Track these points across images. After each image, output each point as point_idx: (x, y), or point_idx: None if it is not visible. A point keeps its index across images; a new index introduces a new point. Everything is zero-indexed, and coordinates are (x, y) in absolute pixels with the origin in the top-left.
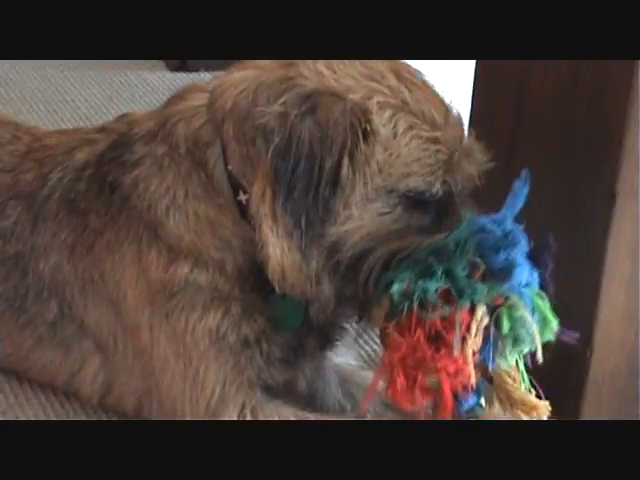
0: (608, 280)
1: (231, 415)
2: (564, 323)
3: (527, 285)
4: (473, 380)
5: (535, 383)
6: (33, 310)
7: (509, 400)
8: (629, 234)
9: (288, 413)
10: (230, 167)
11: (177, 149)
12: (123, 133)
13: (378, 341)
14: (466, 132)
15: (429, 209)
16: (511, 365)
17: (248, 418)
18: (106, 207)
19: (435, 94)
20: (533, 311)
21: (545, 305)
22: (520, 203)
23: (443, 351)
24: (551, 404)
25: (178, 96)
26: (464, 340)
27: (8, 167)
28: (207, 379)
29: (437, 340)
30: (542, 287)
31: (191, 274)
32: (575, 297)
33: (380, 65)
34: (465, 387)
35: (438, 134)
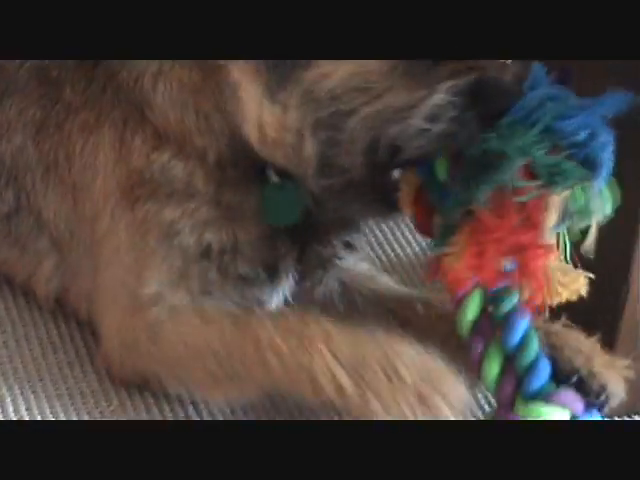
0: None
1: (158, 315)
2: None
3: None
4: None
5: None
6: None
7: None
8: None
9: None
10: None
11: None
12: None
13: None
14: None
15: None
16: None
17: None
18: (86, 82)
19: None
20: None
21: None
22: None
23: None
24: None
25: None
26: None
27: None
28: (150, 277)
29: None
30: None
31: (169, 163)
32: None
33: None
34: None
35: None
